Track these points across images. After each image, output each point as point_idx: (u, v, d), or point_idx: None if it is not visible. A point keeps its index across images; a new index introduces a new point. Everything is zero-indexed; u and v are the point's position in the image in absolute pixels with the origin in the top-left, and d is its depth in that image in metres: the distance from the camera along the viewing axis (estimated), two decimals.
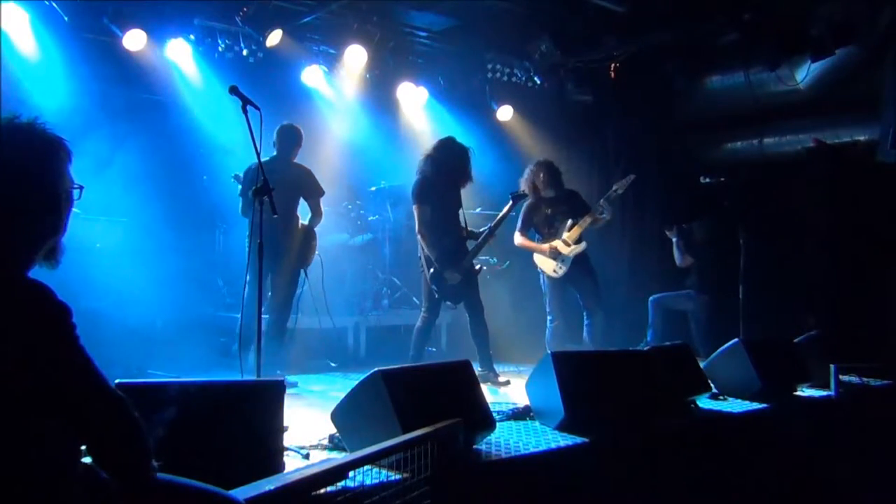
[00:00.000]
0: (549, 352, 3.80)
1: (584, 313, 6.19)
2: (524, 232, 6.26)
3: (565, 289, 6.22)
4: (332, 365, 6.13)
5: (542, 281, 6.29)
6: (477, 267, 5.72)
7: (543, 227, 6.22)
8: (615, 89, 8.04)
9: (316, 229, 5.64)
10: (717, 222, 7.20)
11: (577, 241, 6.08)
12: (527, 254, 6.44)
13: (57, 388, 1.53)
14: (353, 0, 6.71)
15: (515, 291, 7.39)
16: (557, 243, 6.10)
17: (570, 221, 6.12)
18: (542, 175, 6.10)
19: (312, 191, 5.50)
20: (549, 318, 6.24)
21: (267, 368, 4.80)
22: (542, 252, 6.17)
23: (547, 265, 6.16)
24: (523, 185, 6.12)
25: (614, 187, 6.13)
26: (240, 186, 5.55)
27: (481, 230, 5.74)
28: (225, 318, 6.22)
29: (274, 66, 6.89)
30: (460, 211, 5.72)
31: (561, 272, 6.09)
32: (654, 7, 6.79)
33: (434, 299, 5.57)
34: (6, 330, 1.49)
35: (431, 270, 5.48)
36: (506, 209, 5.84)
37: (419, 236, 5.54)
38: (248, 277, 4.05)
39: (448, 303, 5.65)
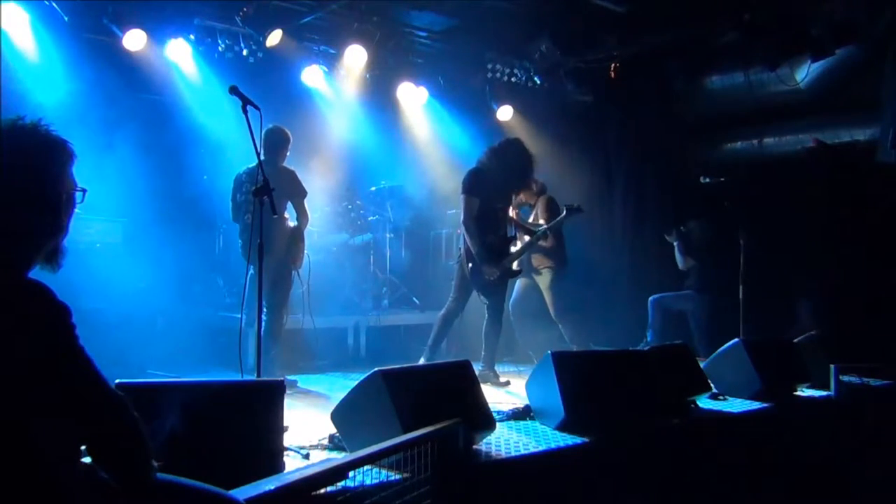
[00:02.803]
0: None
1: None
2: None
3: (522, 288, 6.41)
4: (302, 367, 6.07)
5: None
6: (516, 268, 5.69)
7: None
8: (615, 89, 8.04)
9: (306, 230, 5.59)
10: (716, 222, 7.20)
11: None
12: (528, 256, 6.45)
13: (57, 389, 1.53)
14: (353, 0, 6.71)
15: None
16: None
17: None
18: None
19: (296, 192, 5.45)
20: None
21: (266, 369, 4.82)
22: None
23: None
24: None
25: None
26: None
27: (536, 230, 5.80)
28: (225, 318, 6.21)
29: (274, 66, 6.88)
30: (511, 213, 5.71)
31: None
32: (654, 7, 6.78)
33: (465, 290, 5.55)
34: (6, 331, 1.49)
35: (470, 265, 5.44)
36: (558, 220, 5.89)
37: (463, 227, 5.48)
38: (247, 278, 4.05)
39: (480, 297, 5.58)
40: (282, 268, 5.34)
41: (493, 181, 5.48)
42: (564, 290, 6.28)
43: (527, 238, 6.07)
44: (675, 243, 7.34)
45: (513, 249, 5.77)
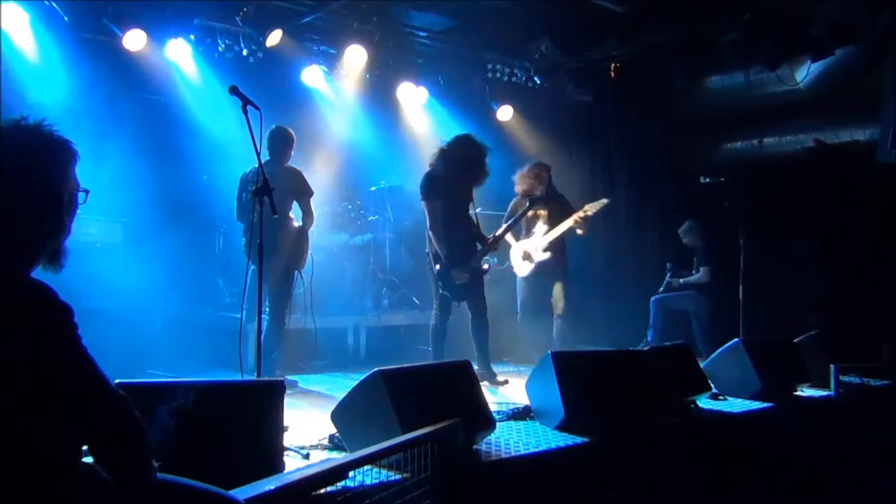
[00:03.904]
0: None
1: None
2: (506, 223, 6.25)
3: (531, 287, 6.38)
4: (302, 367, 6.06)
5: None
6: (485, 267, 5.66)
7: (522, 227, 6.34)
8: (615, 89, 8.04)
9: (311, 230, 5.60)
10: (717, 222, 7.20)
11: (546, 250, 6.19)
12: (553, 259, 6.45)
13: (58, 389, 1.53)
14: (353, 0, 6.71)
15: (515, 292, 7.40)
16: (529, 246, 6.26)
17: (545, 228, 6.24)
18: (537, 176, 6.19)
19: (302, 192, 5.46)
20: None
21: (267, 369, 4.83)
22: (516, 250, 6.36)
23: (516, 263, 6.38)
24: (518, 182, 6.22)
25: (585, 208, 6.11)
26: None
27: (495, 234, 5.74)
28: (225, 318, 6.22)
29: (274, 66, 6.89)
30: (472, 210, 5.64)
31: (523, 273, 6.32)
32: (654, 7, 6.78)
33: (443, 296, 5.51)
34: (8, 330, 1.49)
35: (438, 267, 5.40)
36: (521, 212, 5.89)
37: (430, 232, 5.43)
38: (247, 278, 4.04)
39: (453, 301, 5.55)
40: (286, 271, 5.35)
41: (449, 181, 5.42)
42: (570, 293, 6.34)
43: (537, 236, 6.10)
44: (681, 281, 7.34)
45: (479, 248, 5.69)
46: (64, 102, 5.74)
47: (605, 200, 6.14)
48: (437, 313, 5.54)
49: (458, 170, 5.43)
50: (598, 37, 7.45)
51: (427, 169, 5.56)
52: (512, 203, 6.35)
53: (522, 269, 6.34)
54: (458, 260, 5.40)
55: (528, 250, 6.27)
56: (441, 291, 5.48)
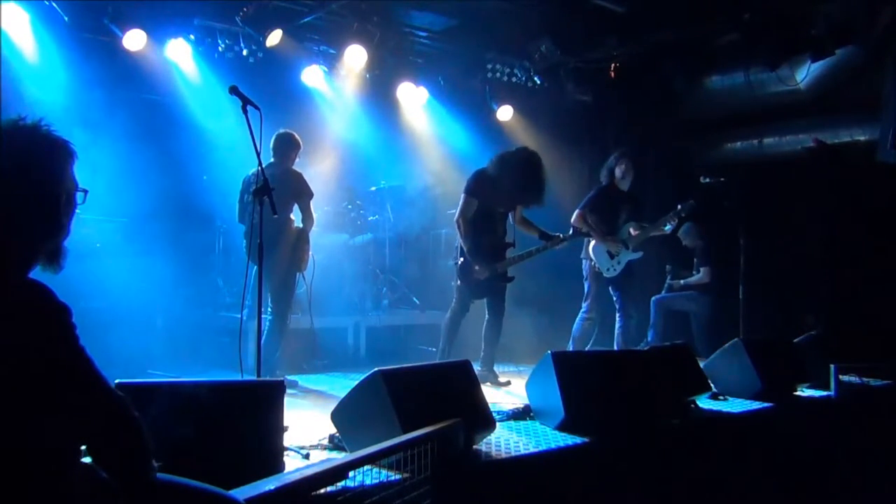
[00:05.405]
0: (570, 347, 3.79)
1: (619, 315, 6.16)
2: (592, 216, 6.08)
3: (606, 287, 6.21)
4: (302, 367, 6.06)
5: (586, 271, 6.21)
6: (510, 276, 5.64)
7: (603, 221, 6.11)
8: (615, 89, 8.03)
9: (311, 232, 5.60)
10: (716, 222, 7.20)
11: (636, 248, 6.16)
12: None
13: (56, 389, 1.53)
14: (353, 0, 6.71)
15: (516, 292, 7.38)
16: (620, 244, 6.10)
17: (634, 224, 6.17)
18: (624, 166, 6.18)
19: (302, 194, 5.48)
20: (583, 311, 6.18)
21: (268, 369, 4.82)
22: (608, 245, 6.09)
23: (603, 260, 6.10)
24: (604, 172, 6.22)
25: (679, 207, 6.16)
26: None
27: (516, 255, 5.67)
28: (225, 318, 6.22)
29: (274, 66, 6.89)
30: (509, 220, 5.65)
31: (613, 273, 6.09)
32: (654, 7, 6.78)
33: (461, 291, 5.54)
34: (6, 330, 1.49)
35: (461, 260, 5.45)
36: (565, 238, 5.75)
37: (456, 224, 5.49)
38: (247, 279, 4.04)
39: (472, 299, 5.56)
40: (287, 272, 5.35)
41: (498, 186, 5.47)
42: None
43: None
44: (681, 282, 7.34)
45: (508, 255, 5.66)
46: (63, 102, 5.74)
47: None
48: (455, 308, 5.58)
49: (505, 179, 5.45)
50: (598, 37, 7.44)
51: (481, 167, 5.59)
52: (599, 191, 6.23)
53: (614, 267, 6.08)
54: (481, 257, 5.42)
55: (616, 249, 6.09)
56: (458, 283, 5.50)
